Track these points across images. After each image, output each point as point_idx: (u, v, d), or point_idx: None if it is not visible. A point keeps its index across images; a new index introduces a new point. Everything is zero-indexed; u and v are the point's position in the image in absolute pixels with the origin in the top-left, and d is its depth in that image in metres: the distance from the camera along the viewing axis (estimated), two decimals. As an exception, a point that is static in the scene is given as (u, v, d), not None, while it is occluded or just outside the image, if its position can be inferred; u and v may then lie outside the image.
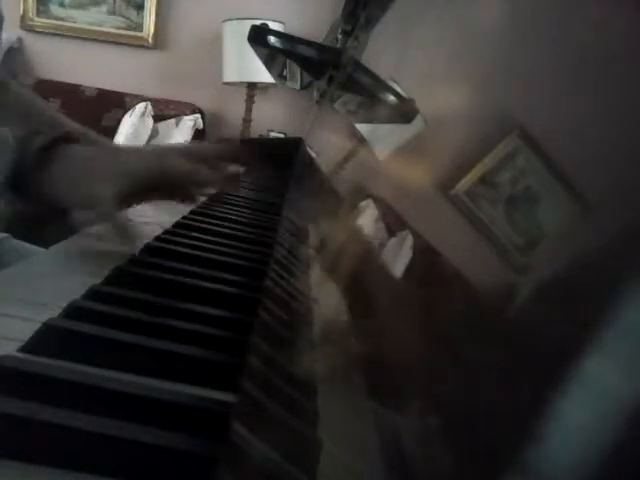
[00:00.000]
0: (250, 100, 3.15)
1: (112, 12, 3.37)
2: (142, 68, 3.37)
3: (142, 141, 2.92)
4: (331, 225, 0.53)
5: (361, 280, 0.34)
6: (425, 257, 0.26)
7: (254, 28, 1.24)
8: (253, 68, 2.84)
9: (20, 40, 3.33)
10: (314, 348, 0.32)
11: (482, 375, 0.16)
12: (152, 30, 3.35)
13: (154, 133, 3.00)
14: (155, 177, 0.54)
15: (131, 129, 2.91)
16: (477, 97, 0.29)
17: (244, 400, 0.27)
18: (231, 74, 3.09)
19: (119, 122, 3.02)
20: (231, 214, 0.73)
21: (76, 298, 0.37)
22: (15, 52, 3.29)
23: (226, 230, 0.63)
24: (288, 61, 1.28)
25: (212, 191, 0.97)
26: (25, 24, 3.34)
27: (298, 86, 1.36)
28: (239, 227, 0.66)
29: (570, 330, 0.13)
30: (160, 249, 0.51)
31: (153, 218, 0.64)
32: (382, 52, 0.72)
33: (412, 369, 0.21)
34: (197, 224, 0.63)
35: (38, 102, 0.96)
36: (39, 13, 3.35)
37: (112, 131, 2.99)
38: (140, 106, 3.02)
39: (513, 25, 0.29)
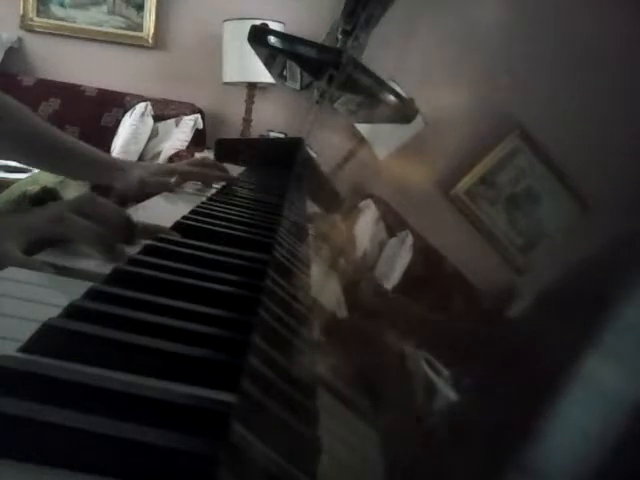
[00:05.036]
0: (250, 100, 3.15)
1: (112, 12, 3.37)
2: (142, 68, 3.37)
3: (142, 141, 2.93)
4: (331, 225, 0.53)
5: (361, 280, 0.34)
6: (425, 257, 0.26)
7: (254, 28, 1.25)
8: (253, 68, 2.85)
9: (20, 40, 3.33)
10: (314, 348, 0.32)
11: (482, 375, 0.16)
12: (152, 30, 3.35)
13: (154, 133, 3.00)
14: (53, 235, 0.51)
15: (131, 129, 2.91)
16: (477, 97, 0.29)
17: (244, 400, 0.27)
18: (231, 74, 3.09)
19: (119, 122, 3.02)
20: (231, 214, 0.73)
21: (76, 298, 0.37)
22: (15, 52, 3.29)
23: (226, 230, 0.63)
24: (288, 61, 1.28)
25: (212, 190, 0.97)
26: (25, 24, 3.34)
27: (298, 86, 1.36)
28: (239, 227, 0.66)
29: (570, 330, 0.13)
30: (160, 249, 0.51)
31: (152, 218, 0.64)
32: (382, 52, 0.72)
33: (412, 369, 0.21)
34: (197, 224, 0.63)
35: (33, 123, 0.97)
36: (39, 13, 3.35)
37: (112, 131, 2.99)
38: (140, 106, 3.02)
39: (513, 25, 0.29)
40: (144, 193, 0.92)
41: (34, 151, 0.97)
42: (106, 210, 0.54)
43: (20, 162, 1.04)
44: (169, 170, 1.00)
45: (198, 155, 2.48)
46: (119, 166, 0.99)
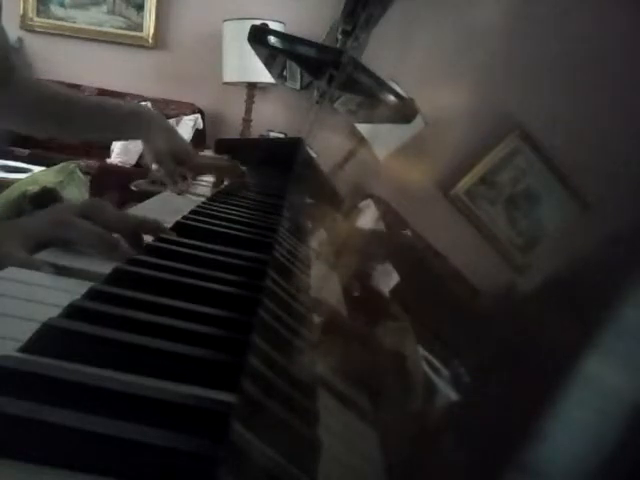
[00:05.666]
0: (250, 100, 3.15)
1: (112, 12, 3.37)
2: (142, 68, 3.37)
3: (142, 141, 2.92)
4: (331, 225, 0.53)
5: (361, 280, 0.34)
6: (425, 257, 0.26)
7: (254, 28, 1.25)
8: (253, 68, 2.85)
9: (20, 40, 3.33)
10: (314, 348, 0.32)
11: (482, 375, 0.16)
12: (152, 30, 3.35)
13: (154, 133, 3.00)
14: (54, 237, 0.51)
15: (131, 129, 2.91)
16: (477, 97, 0.29)
17: (244, 400, 0.27)
18: (231, 74, 3.09)
19: (119, 122, 3.02)
20: (231, 214, 0.73)
21: (76, 298, 0.37)
22: (15, 52, 3.29)
23: (226, 230, 0.63)
24: (288, 61, 1.28)
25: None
26: (25, 24, 3.35)
27: (298, 86, 1.36)
28: (239, 227, 0.66)
29: (570, 330, 0.13)
30: (160, 249, 0.51)
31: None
32: (382, 52, 0.72)
33: (412, 369, 0.21)
34: (197, 224, 0.63)
35: (45, 88, 0.97)
36: (39, 13, 3.35)
37: (112, 131, 2.99)
38: (140, 106, 3.02)
39: (513, 25, 0.29)
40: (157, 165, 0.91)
41: (48, 112, 0.96)
42: (111, 216, 0.53)
43: (39, 129, 1.01)
44: (187, 155, 0.96)
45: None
46: (144, 117, 0.95)
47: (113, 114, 0.96)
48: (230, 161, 1.05)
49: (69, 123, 0.98)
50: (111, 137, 1.11)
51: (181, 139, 0.99)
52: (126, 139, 1.18)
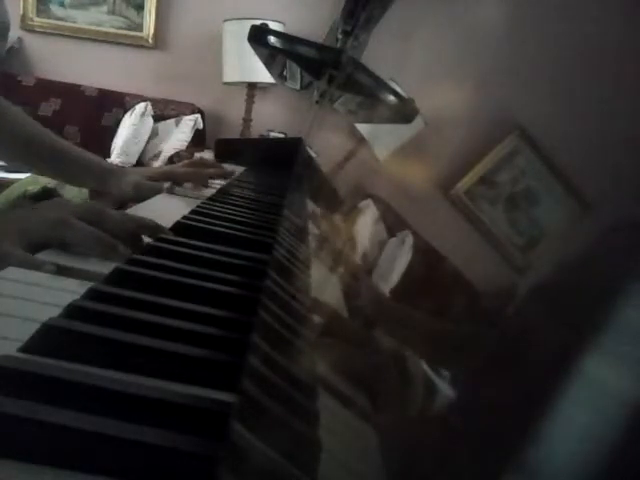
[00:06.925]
0: (250, 100, 3.15)
1: (112, 12, 3.37)
2: (142, 68, 3.37)
3: (142, 141, 2.93)
4: (331, 225, 0.53)
5: (361, 280, 0.34)
6: (425, 257, 0.26)
7: (254, 28, 1.25)
8: (253, 68, 2.85)
9: (20, 40, 3.33)
10: (314, 348, 0.32)
11: (482, 375, 0.16)
12: (152, 30, 3.35)
13: (154, 133, 3.00)
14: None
15: (131, 129, 2.91)
16: (477, 97, 0.29)
17: (244, 400, 0.27)
18: (231, 74, 3.09)
19: (119, 122, 3.02)
20: (231, 214, 0.73)
21: (76, 298, 0.37)
22: (15, 52, 3.29)
23: (226, 230, 0.63)
24: (288, 61, 1.28)
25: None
26: (25, 24, 3.34)
27: (298, 86, 1.36)
28: (239, 227, 0.66)
29: (570, 330, 0.13)
30: (160, 249, 0.51)
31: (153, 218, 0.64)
32: (382, 52, 0.72)
33: (412, 369, 0.21)
34: (197, 224, 0.63)
35: (30, 127, 0.99)
36: (39, 13, 3.35)
37: (112, 131, 2.99)
38: (140, 106, 3.02)
39: (513, 25, 0.29)
40: (140, 197, 0.93)
41: (29, 154, 0.99)
42: (110, 220, 0.53)
43: (15, 163, 1.06)
44: (166, 173, 1.00)
45: (198, 155, 2.48)
46: (114, 173, 0.98)
47: (74, 163, 1.00)
48: (213, 166, 1.08)
49: (30, 157, 1.01)
50: (69, 181, 1.14)
51: (151, 169, 1.04)
52: (82, 187, 1.21)
